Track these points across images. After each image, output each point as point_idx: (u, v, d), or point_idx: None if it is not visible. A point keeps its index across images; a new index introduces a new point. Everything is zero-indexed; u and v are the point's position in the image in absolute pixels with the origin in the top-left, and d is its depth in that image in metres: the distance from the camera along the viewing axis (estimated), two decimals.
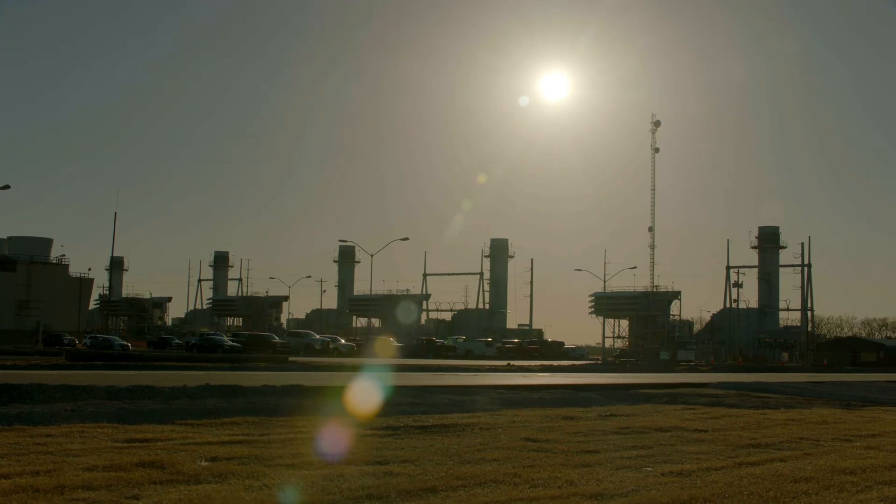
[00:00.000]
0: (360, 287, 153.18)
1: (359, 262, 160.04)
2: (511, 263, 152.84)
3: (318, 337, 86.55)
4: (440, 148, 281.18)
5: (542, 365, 62.53)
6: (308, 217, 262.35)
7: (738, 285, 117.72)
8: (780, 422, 19.44)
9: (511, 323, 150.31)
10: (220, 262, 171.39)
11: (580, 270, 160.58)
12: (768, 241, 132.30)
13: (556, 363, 68.71)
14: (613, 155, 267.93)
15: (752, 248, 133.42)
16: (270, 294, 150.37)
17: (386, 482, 9.75)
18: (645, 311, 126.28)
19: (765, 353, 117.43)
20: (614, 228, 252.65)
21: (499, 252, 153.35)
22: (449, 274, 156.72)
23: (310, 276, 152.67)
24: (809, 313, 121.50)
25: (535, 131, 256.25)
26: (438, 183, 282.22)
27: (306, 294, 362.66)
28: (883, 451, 14.48)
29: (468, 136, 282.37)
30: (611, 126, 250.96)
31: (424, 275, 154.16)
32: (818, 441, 15.76)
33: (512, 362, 64.07)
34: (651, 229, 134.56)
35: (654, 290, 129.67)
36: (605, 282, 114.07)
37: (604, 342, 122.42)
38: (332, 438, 13.69)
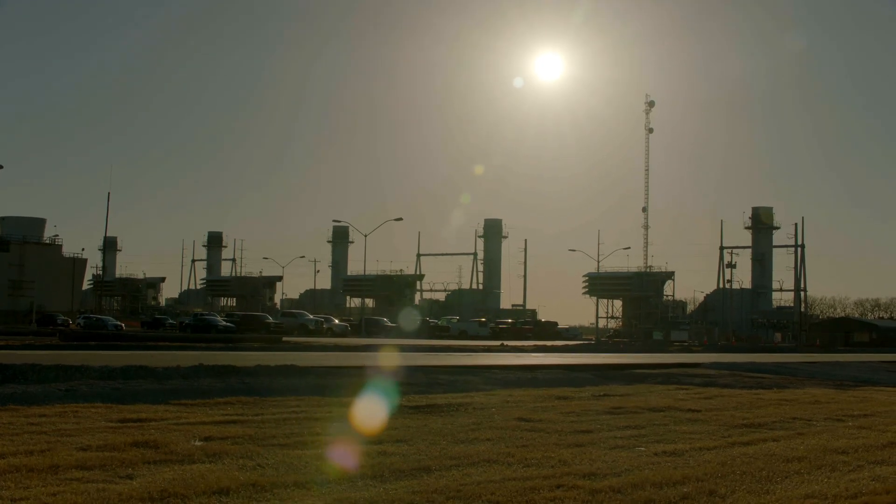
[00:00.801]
0: (354, 267, 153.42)
1: (352, 242, 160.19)
2: (505, 244, 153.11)
3: (311, 317, 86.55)
4: (434, 129, 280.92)
5: (535, 345, 62.67)
6: (302, 198, 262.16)
7: (732, 266, 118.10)
8: (773, 402, 19.50)
9: (505, 303, 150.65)
10: (214, 242, 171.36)
11: (574, 251, 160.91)
12: (762, 221, 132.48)
13: (549, 343, 68.85)
14: (607, 135, 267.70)
15: (746, 228, 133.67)
16: (264, 274, 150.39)
17: (380, 462, 9.77)
18: (638, 291, 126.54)
19: (758, 334, 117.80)
20: (608, 209, 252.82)
21: (492, 232, 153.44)
22: (443, 254, 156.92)
23: (303, 257, 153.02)
24: (802, 294, 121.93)
25: (530, 112, 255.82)
26: (432, 164, 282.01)
27: (300, 274, 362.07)
28: (875, 431, 14.54)
29: (462, 117, 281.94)
30: (605, 106, 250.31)
31: (418, 255, 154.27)
32: (810, 421, 15.81)
33: (505, 342, 64.22)
34: (645, 210, 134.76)
35: (648, 270, 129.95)
36: (598, 262, 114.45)
37: (597, 322, 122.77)
38: (325, 418, 13.71)
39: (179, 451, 10.13)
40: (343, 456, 10.03)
